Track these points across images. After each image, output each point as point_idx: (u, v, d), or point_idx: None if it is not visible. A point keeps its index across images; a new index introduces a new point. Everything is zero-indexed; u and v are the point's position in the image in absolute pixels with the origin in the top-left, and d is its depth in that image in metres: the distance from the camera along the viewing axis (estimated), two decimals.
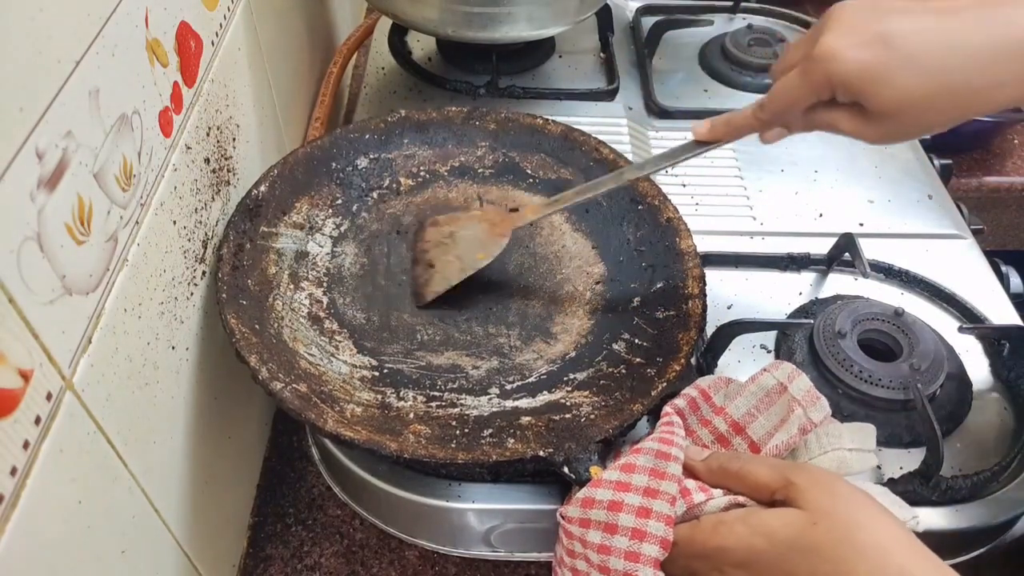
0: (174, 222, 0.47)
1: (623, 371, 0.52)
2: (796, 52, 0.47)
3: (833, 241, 0.65)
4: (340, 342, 0.54)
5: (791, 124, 0.49)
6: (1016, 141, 1.04)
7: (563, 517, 0.43)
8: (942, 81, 0.42)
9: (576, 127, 0.66)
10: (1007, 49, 0.41)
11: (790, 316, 0.62)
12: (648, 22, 0.91)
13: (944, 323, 0.62)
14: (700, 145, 0.53)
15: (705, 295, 0.55)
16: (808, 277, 0.66)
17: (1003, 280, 0.66)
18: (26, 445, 0.32)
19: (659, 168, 0.55)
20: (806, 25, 0.96)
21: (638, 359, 0.52)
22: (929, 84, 0.42)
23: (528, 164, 0.66)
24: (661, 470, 0.41)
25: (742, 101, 0.84)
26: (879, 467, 0.52)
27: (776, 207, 0.72)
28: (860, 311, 0.58)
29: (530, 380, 0.53)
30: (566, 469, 0.44)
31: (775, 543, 0.37)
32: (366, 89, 0.83)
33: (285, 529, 0.61)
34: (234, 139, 0.57)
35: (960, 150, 1.00)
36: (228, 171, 0.56)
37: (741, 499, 0.41)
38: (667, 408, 0.46)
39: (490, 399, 0.51)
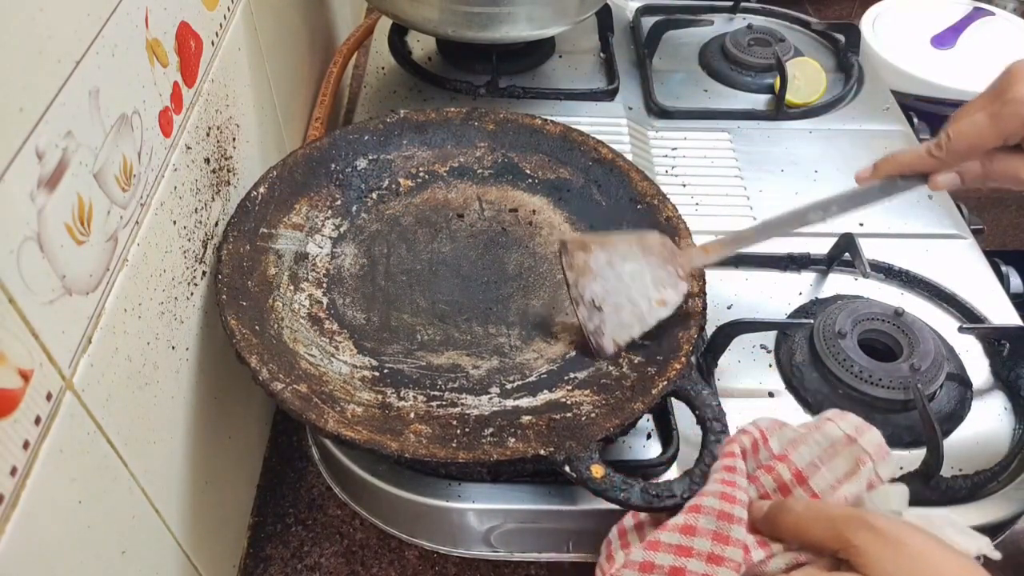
0: (174, 222, 0.47)
1: (624, 370, 0.52)
2: (974, 105, 0.48)
3: (833, 241, 0.65)
4: (340, 342, 0.54)
5: (966, 171, 0.49)
6: None
7: None
8: None
9: (575, 127, 0.66)
10: None
11: (790, 316, 0.62)
12: (648, 22, 0.91)
13: (944, 323, 0.62)
14: (884, 189, 0.52)
15: (705, 293, 0.55)
16: (808, 277, 0.66)
17: (1003, 280, 0.66)
18: (26, 445, 0.32)
19: (842, 212, 0.54)
20: (806, 25, 0.96)
21: (639, 358, 0.52)
22: None
23: (527, 164, 0.66)
24: (725, 534, 0.39)
25: (742, 101, 0.84)
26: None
27: (776, 207, 0.72)
28: (860, 311, 0.58)
29: (530, 379, 0.53)
30: (567, 468, 0.44)
31: None
32: (366, 89, 0.83)
33: (285, 529, 0.61)
34: (234, 139, 0.57)
35: None
36: (228, 171, 0.56)
37: (803, 557, 0.40)
38: (731, 448, 0.44)
39: (491, 398, 0.51)
